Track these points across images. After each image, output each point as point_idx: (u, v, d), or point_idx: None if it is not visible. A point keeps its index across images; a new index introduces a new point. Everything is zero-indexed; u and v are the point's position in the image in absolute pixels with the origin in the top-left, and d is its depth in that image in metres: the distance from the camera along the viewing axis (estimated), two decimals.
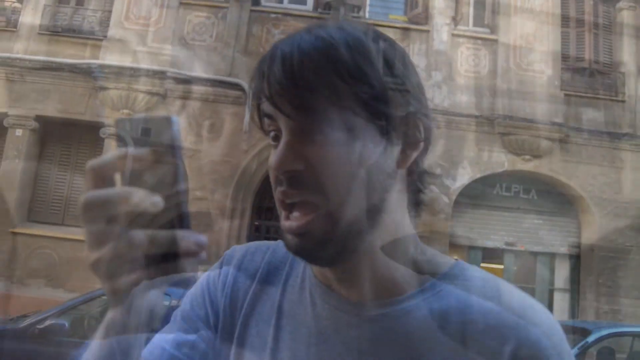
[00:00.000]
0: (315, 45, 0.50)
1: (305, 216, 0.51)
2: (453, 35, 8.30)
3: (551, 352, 0.51)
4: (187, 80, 7.68)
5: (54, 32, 7.97)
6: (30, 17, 7.97)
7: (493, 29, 8.44)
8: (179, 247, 0.42)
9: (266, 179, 8.28)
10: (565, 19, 8.55)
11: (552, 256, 8.13)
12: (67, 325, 4.01)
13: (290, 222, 0.52)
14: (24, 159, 7.50)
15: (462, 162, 7.88)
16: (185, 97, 7.67)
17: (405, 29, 8.27)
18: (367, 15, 8.57)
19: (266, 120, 0.54)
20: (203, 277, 0.66)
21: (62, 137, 7.61)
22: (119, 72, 7.55)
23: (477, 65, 8.25)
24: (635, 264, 7.72)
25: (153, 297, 0.47)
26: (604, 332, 4.99)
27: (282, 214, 0.53)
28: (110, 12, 7.99)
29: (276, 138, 0.53)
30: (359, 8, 8.40)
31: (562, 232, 8.14)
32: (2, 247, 7.07)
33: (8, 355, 4.03)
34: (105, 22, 8.01)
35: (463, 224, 7.94)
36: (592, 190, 7.90)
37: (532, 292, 7.97)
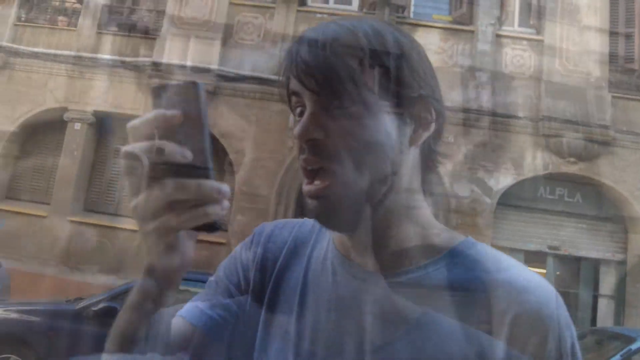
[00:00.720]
0: (338, 32, 0.57)
1: (324, 182, 0.57)
2: (498, 35, 8.25)
3: (550, 320, 0.55)
4: (235, 78, 7.92)
5: (111, 31, 8.36)
6: (90, 17, 8.38)
7: (539, 30, 8.35)
8: (204, 194, 0.47)
9: None
10: (613, 19, 8.37)
11: (597, 262, 7.96)
12: (119, 308, 4.23)
13: (310, 186, 0.58)
14: (82, 152, 7.92)
15: (505, 163, 7.82)
16: (233, 94, 7.90)
17: (449, 29, 8.28)
18: (411, 15, 8.61)
19: (293, 98, 0.60)
20: (236, 249, 0.72)
21: (117, 131, 7.98)
22: (170, 69, 7.85)
23: (522, 66, 8.18)
24: None
25: (181, 246, 0.51)
26: None
27: (305, 180, 0.59)
28: (163, 11, 8.32)
29: (301, 114, 0.59)
30: (404, 8, 8.46)
31: (607, 237, 7.95)
32: (60, 234, 7.48)
33: (65, 334, 4.32)
34: (159, 21, 8.34)
35: (505, 226, 7.89)
36: (639, 194, 7.72)
37: (575, 297, 7.83)
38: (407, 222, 0.61)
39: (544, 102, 7.91)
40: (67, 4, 8.78)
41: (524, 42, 8.32)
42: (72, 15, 8.60)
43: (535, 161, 7.88)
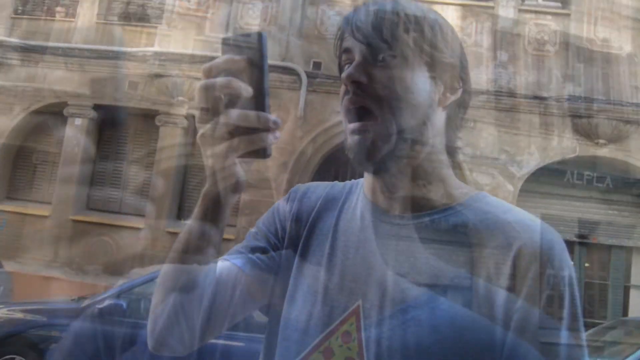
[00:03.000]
0: (390, 5, 0.69)
1: (364, 121, 0.67)
2: (520, 10, 7.74)
3: (550, 253, 0.63)
4: None
5: (111, 21, 8.05)
6: (88, 7, 8.08)
7: (564, 3, 7.81)
8: (261, 122, 0.57)
9: (321, 164, 8.06)
10: None
11: (629, 250, 7.53)
12: (124, 305, 4.13)
13: (353, 124, 0.68)
14: (83, 148, 7.65)
15: (529, 147, 7.39)
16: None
17: (468, 6, 7.78)
18: None
19: (344, 56, 0.71)
20: (274, 205, 0.82)
21: (119, 126, 7.71)
22: (175, 59, 7.53)
23: (546, 43, 7.66)
24: None
25: (237, 171, 0.60)
26: None
27: (347, 119, 0.69)
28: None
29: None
30: None
31: (639, 224, 7.50)
32: (62, 234, 7.26)
33: (72, 331, 4.19)
34: (160, 10, 8.00)
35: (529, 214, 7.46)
36: None
37: (605, 288, 7.45)
38: (430, 173, 0.70)
39: (571, 81, 7.41)
40: None
41: (549, 17, 7.80)
42: (70, 5, 8.29)
43: (561, 144, 7.42)
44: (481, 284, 0.63)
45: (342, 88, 0.68)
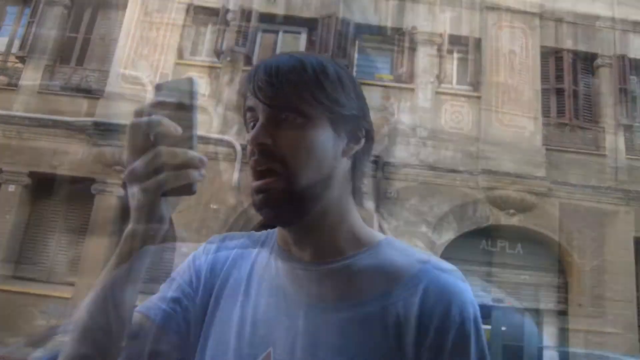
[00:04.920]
0: (289, 61, 0.70)
1: (269, 178, 0.68)
2: (437, 93, 8.58)
3: (455, 291, 0.67)
4: None
5: (53, 91, 8.26)
6: (31, 77, 8.28)
7: (476, 87, 8.73)
8: (188, 159, 0.60)
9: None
10: (545, 76, 8.87)
11: (540, 312, 8.06)
12: None
13: (258, 182, 0.68)
14: (15, 215, 7.62)
15: (447, 217, 7.96)
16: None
17: (391, 87, 8.58)
18: (355, 74, 8.88)
19: (248, 114, 0.71)
20: (190, 255, 0.82)
21: (54, 194, 7.75)
22: (114, 129, 7.77)
23: (460, 121, 8.49)
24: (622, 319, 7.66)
25: (163, 208, 0.63)
26: None
27: (253, 179, 0.69)
28: (108, 71, 8.31)
29: (254, 127, 0.70)
30: (347, 67, 8.71)
31: (549, 288, 8.09)
32: None
33: None
34: (103, 81, 8.31)
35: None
36: (578, 244, 7.95)
37: (520, 350, 7.85)
38: (339, 221, 0.73)
39: (483, 156, 8.17)
40: (9, 64, 8.67)
41: (462, 99, 8.68)
42: (14, 74, 8.49)
43: (476, 214, 8.05)
44: (392, 327, 0.66)
45: (249, 148, 0.69)
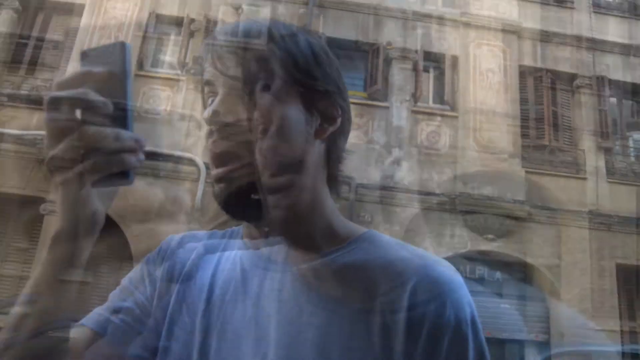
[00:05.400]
0: (254, 27, 0.62)
1: (230, 165, 0.58)
2: (413, 111, 8.26)
3: (449, 288, 0.58)
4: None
5: (2, 101, 7.66)
6: None
7: (453, 106, 8.44)
8: (122, 142, 0.50)
9: None
10: (524, 98, 8.63)
11: (521, 343, 7.70)
12: None
13: (217, 170, 0.59)
14: None
15: (423, 241, 7.58)
16: (137, 172, 7.31)
17: (365, 105, 8.20)
18: None
19: (206, 89, 0.62)
20: (143, 260, 0.71)
21: None
22: None
23: (437, 142, 8.16)
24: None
25: (95, 201, 0.52)
26: None
27: (212, 165, 0.60)
28: None
29: (213, 103, 0.61)
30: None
31: (530, 317, 7.76)
32: None
33: None
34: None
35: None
36: (558, 270, 7.64)
37: None
38: (312, 214, 0.63)
39: (460, 178, 7.84)
40: None
41: (439, 118, 8.36)
42: None
43: (453, 239, 7.68)
44: (377, 327, 0.57)
45: (206, 129, 0.59)
